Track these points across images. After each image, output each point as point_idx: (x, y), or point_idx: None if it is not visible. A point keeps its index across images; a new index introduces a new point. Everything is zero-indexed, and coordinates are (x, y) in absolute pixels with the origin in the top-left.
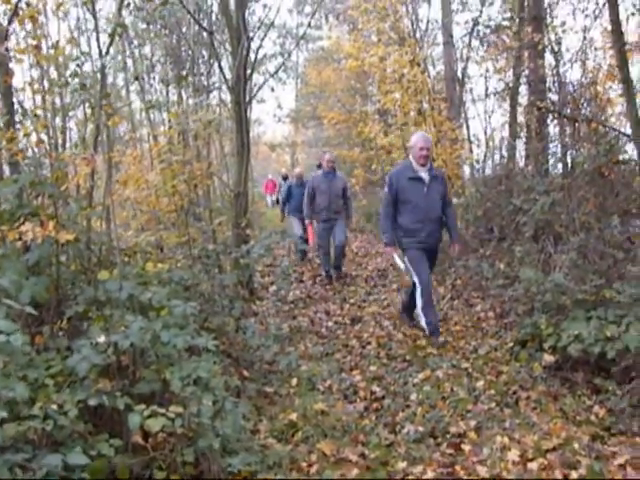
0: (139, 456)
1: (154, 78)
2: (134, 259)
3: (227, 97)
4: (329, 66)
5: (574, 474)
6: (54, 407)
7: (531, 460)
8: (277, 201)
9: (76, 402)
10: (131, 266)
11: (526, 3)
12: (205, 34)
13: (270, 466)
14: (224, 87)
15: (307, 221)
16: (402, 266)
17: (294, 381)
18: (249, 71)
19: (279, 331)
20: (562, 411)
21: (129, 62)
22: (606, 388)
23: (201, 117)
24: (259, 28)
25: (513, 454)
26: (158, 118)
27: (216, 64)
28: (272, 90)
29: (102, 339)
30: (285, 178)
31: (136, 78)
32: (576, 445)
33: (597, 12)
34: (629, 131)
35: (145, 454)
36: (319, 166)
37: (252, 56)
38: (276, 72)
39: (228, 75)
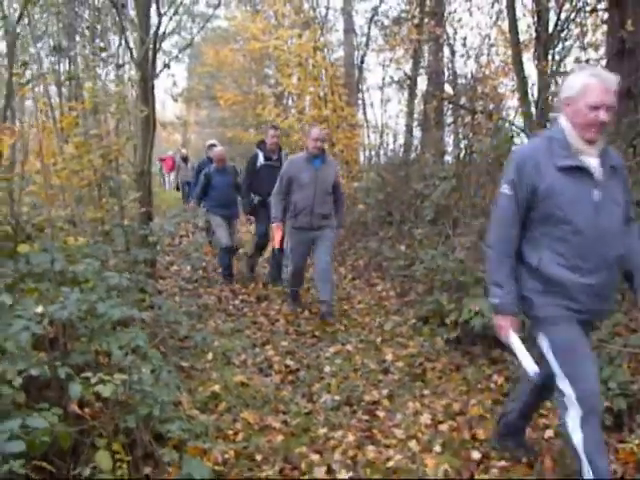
0: (78, 425)
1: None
2: (47, 233)
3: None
4: (227, 46)
5: (480, 433)
6: None
7: (442, 423)
8: (177, 187)
9: (16, 372)
10: (50, 240)
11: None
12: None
13: (198, 435)
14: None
15: (275, 224)
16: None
17: (209, 356)
18: (157, 47)
19: (190, 308)
20: (465, 380)
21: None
22: (503, 359)
23: (119, 92)
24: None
25: (425, 418)
26: (70, 92)
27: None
28: (167, 67)
29: (39, 310)
30: (185, 159)
31: (54, 48)
32: (480, 409)
33: (494, 12)
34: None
35: (84, 423)
36: (260, 145)
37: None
38: (184, 49)
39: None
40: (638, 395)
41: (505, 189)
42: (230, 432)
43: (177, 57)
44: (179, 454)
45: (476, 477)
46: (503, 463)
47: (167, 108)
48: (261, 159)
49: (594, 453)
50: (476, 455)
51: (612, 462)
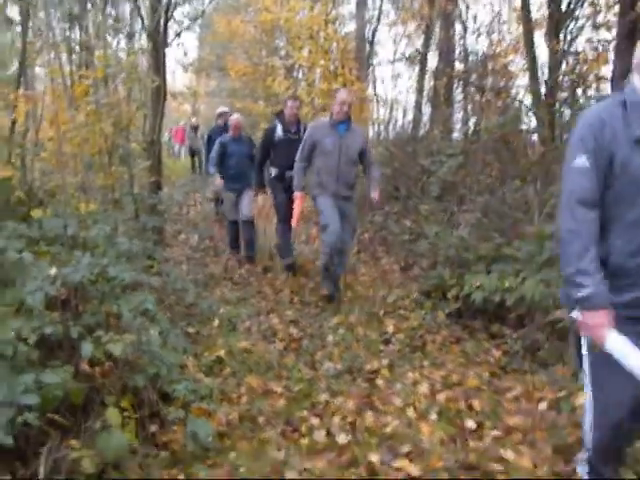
0: (89, 383)
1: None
2: (59, 199)
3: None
4: (238, 16)
5: (476, 404)
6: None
7: (439, 392)
8: (192, 154)
9: (31, 330)
10: (62, 206)
11: None
12: None
13: (203, 397)
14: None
15: (297, 193)
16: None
17: (215, 323)
18: (169, 16)
19: (196, 276)
20: (464, 353)
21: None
22: (502, 333)
23: (131, 61)
24: None
25: (423, 388)
26: (81, 59)
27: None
28: (178, 36)
29: (53, 272)
30: (195, 128)
31: (68, 15)
32: (477, 381)
33: None
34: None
35: (94, 381)
36: (279, 116)
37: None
38: (196, 19)
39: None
40: None
41: (581, 160)
42: (234, 395)
43: (188, 27)
44: (184, 413)
45: (469, 444)
46: (496, 432)
47: (177, 78)
48: (279, 131)
49: None
50: (471, 424)
51: None
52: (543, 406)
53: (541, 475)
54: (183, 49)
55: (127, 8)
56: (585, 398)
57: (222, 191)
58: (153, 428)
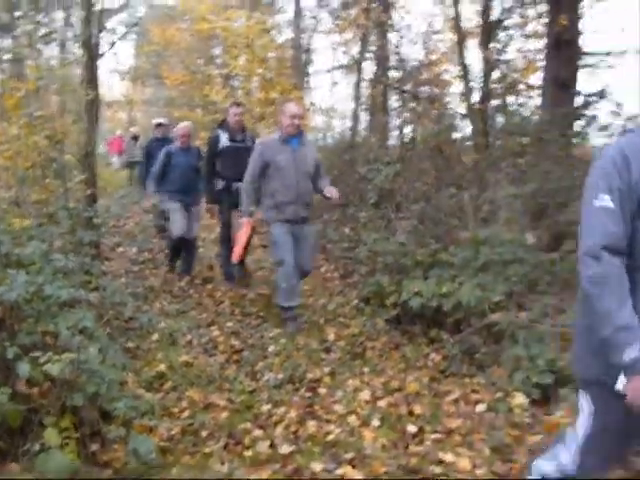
0: (27, 404)
1: None
2: None
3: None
4: (174, 25)
5: (417, 408)
6: None
7: (380, 399)
8: (130, 165)
9: None
10: None
11: None
12: None
13: (144, 413)
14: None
15: (245, 218)
16: None
17: (155, 337)
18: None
19: (136, 290)
20: (404, 358)
21: None
22: (440, 338)
23: (65, 72)
24: None
25: (364, 394)
26: (12, 70)
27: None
28: (112, 45)
29: None
30: (135, 138)
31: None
32: (417, 385)
33: None
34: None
35: (32, 402)
36: (222, 124)
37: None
38: (130, 29)
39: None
40: (563, 371)
41: (604, 201)
42: (175, 410)
43: (124, 36)
44: (126, 431)
45: (410, 448)
46: (437, 435)
47: (112, 86)
48: (224, 140)
49: None
50: (412, 428)
51: (538, 433)
52: (481, 408)
53: (479, 475)
54: (117, 58)
55: (59, 16)
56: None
57: (166, 204)
58: (94, 447)
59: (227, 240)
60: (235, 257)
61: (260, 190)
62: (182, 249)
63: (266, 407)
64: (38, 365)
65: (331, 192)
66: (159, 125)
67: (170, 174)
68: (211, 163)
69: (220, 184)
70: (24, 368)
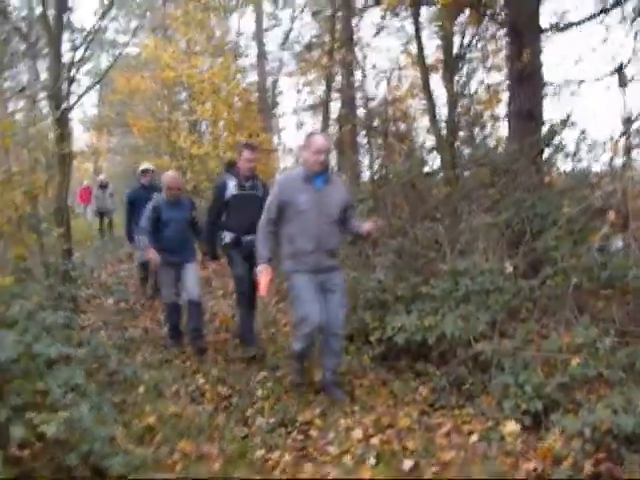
0: (20, 467)
1: None
2: None
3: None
4: (138, 73)
5: (410, 444)
6: None
7: (372, 436)
8: (100, 215)
9: None
10: None
11: (337, 26)
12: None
13: (136, 467)
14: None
15: (263, 265)
16: None
17: (140, 389)
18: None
19: (117, 342)
20: (392, 394)
21: None
22: (427, 371)
23: (39, 128)
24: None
25: (356, 433)
26: None
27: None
28: (81, 97)
29: None
30: (104, 186)
31: None
32: (408, 420)
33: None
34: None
35: (25, 465)
36: (231, 169)
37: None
38: (99, 80)
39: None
40: (552, 396)
41: None
42: (168, 462)
43: (92, 87)
44: None
45: None
46: (434, 469)
47: (77, 136)
48: (232, 187)
49: None
50: (408, 464)
51: (532, 459)
52: (474, 438)
53: None
54: (82, 109)
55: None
56: None
57: (158, 265)
58: None
59: (245, 297)
60: (262, 292)
61: (276, 236)
62: (186, 317)
63: (260, 452)
64: (32, 426)
65: (367, 227)
66: (145, 172)
67: (160, 230)
68: (215, 214)
69: (228, 237)
70: (18, 431)
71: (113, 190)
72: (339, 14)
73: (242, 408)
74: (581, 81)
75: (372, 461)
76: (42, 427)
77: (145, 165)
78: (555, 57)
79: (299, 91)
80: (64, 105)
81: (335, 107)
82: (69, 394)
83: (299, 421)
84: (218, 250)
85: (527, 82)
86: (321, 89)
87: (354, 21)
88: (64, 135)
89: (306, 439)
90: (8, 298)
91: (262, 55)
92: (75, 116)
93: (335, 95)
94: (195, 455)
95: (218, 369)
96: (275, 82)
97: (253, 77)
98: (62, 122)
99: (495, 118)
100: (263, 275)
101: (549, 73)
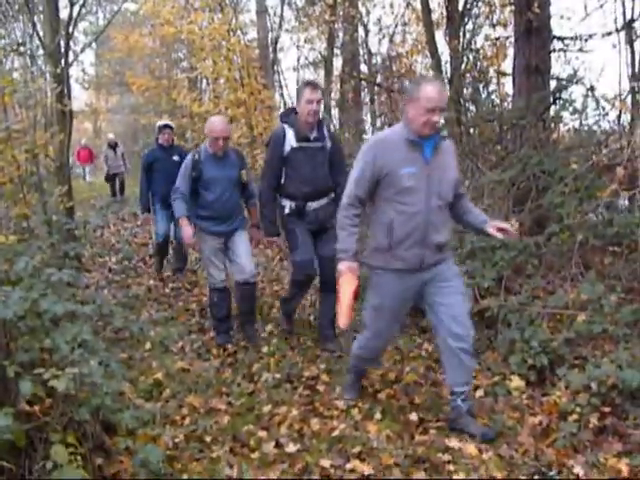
0: (31, 422)
1: None
2: None
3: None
4: (136, 30)
5: (417, 398)
6: None
7: (379, 391)
8: (111, 176)
9: None
10: None
11: None
12: None
13: (146, 422)
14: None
15: (346, 263)
16: None
17: (147, 345)
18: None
19: (121, 300)
20: (398, 349)
21: None
22: (431, 327)
23: (38, 86)
24: None
25: (364, 388)
26: None
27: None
28: (80, 53)
29: None
30: (113, 147)
31: None
32: (414, 375)
33: None
34: None
35: (36, 420)
36: (288, 116)
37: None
38: (97, 37)
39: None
40: (558, 351)
41: None
42: (177, 417)
43: (90, 45)
44: (132, 442)
45: (416, 438)
46: (440, 424)
47: (76, 96)
48: (291, 139)
49: None
50: (414, 418)
51: (538, 414)
52: (480, 393)
53: (485, 458)
54: (82, 67)
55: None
56: None
57: (198, 243)
58: (99, 461)
59: (305, 287)
60: (342, 322)
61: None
62: (236, 301)
63: (267, 408)
64: (41, 382)
65: (502, 226)
66: (164, 128)
67: (201, 195)
68: (273, 175)
69: (288, 205)
70: (26, 386)
71: (124, 149)
72: None
73: (248, 364)
74: (590, 35)
75: (378, 415)
76: (52, 382)
77: (164, 121)
78: (562, 11)
79: (299, 48)
80: (62, 62)
81: (337, 64)
82: (76, 350)
83: (305, 376)
84: (276, 221)
85: (535, 35)
86: (322, 46)
87: None
88: (64, 92)
89: (313, 394)
90: (12, 256)
91: (262, 10)
92: (73, 74)
93: (337, 51)
94: (203, 409)
95: None
96: (277, 38)
97: (254, 34)
98: (61, 79)
99: (501, 74)
100: (347, 280)
101: (556, 29)
